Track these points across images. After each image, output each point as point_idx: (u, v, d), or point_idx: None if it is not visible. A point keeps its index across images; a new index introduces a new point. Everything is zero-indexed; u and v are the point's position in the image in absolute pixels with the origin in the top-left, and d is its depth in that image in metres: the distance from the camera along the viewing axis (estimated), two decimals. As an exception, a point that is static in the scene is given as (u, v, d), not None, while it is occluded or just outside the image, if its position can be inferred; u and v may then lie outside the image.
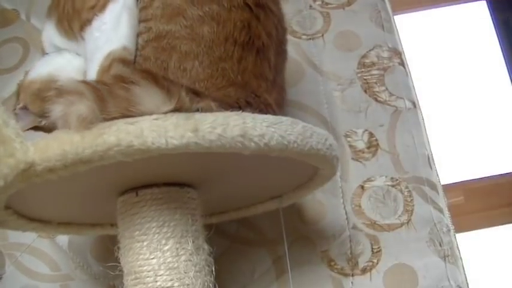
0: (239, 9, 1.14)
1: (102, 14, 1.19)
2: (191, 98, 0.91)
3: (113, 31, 1.17)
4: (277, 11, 1.25)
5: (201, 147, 0.86)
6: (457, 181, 2.53)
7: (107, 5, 1.19)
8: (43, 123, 1.27)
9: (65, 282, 1.55)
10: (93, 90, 0.89)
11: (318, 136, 1.03)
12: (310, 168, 1.14)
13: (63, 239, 1.59)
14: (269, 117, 0.94)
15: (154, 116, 0.87)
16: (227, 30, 1.12)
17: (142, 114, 0.88)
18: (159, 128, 0.85)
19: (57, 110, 0.87)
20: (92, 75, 1.15)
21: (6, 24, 2.06)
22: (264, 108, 1.10)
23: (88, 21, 1.20)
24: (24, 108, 1.29)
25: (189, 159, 0.94)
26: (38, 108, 1.27)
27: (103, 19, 1.18)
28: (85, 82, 0.94)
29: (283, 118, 0.97)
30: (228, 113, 0.90)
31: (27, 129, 1.26)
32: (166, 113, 0.88)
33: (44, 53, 1.39)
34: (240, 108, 1.02)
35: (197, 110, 0.91)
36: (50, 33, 1.34)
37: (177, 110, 0.89)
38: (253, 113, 0.97)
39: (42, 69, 1.32)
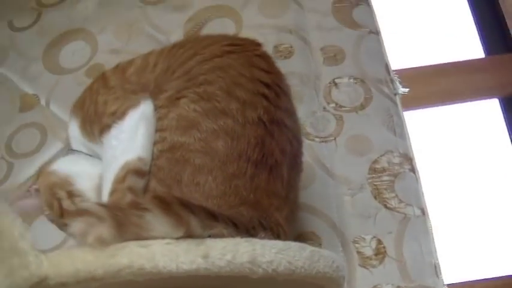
0: (253, 125, 1.16)
1: (121, 122, 1.22)
2: (203, 224, 0.93)
3: (129, 141, 1.20)
4: (292, 125, 1.27)
5: (211, 272, 0.88)
6: (463, 281, 2.51)
7: (127, 112, 1.22)
8: (46, 213, 1.30)
9: None
10: (113, 216, 0.91)
11: (325, 260, 1.04)
12: (317, 286, 1.14)
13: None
14: (278, 244, 0.95)
15: (166, 241, 0.89)
16: (241, 146, 1.14)
17: (154, 239, 0.90)
18: (170, 253, 0.87)
19: (77, 226, 0.90)
20: (108, 183, 1.18)
21: (26, 109, 2.10)
22: (274, 227, 1.12)
23: (107, 127, 1.24)
24: (37, 191, 1.32)
25: (199, 279, 0.95)
26: (45, 199, 1.30)
27: (122, 127, 1.22)
28: (105, 207, 0.96)
29: (292, 244, 0.99)
30: (238, 240, 0.92)
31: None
32: (178, 238, 0.90)
33: (69, 147, 1.43)
34: (253, 228, 1.03)
35: (209, 236, 0.93)
36: (75, 132, 1.37)
37: (188, 236, 0.91)
38: (265, 233, 0.99)
39: (64, 166, 1.35)
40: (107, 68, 1.88)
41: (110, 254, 0.87)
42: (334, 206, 1.70)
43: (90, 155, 1.37)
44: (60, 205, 1.26)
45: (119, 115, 1.23)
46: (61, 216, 1.27)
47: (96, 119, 1.27)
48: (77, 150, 1.39)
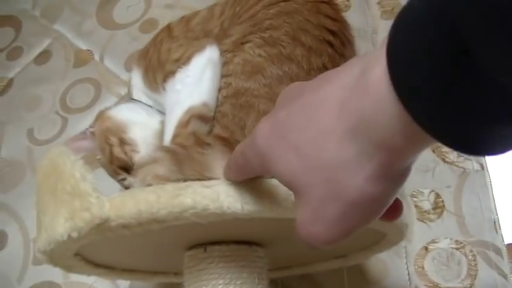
0: (318, 72, 1.13)
1: (186, 67, 1.20)
2: None
3: (195, 85, 1.18)
4: None
5: (275, 214, 0.86)
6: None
7: (192, 57, 1.21)
8: (99, 157, 1.31)
9: (124, 324, 1.56)
10: (171, 155, 0.90)
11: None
12: (378, 233, 1.12)
13: (124, 281, 1.60)
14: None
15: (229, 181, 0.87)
16: None
17: (215, 178, 0.88)
18: (235, 193, 0.85)
19: (135, 181, 0.89)
20: (170, 128, 1.16)
21: (80, 64, 2.10)
22: None
23: (172, 73, 1.22)
24: (93, 134, 1.32)
25: (261, 221, 0.93)
26: (98, 143, 1.30)
27: (187, 72, 1.20)
28: (162, 148, 0.95)
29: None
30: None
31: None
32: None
33: (130, 96, 1.42)
34: None
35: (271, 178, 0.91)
36: (137, 81, 1.37)
37: None
38: None
39: (122, 113, 1.35)
40: (161, 23, 1.88)
41: (173, 195, 0.85)
42: (393, 160, 1.67)
43: (150, 106, 1.36)
44: (111, 151, 1.26)
45: (183, 60, 1.22)
46: (111, 162, 1.27)
47: (159, 67, 1.26)
48: (137, 100, 1.38)
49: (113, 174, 1.28)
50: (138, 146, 1.26)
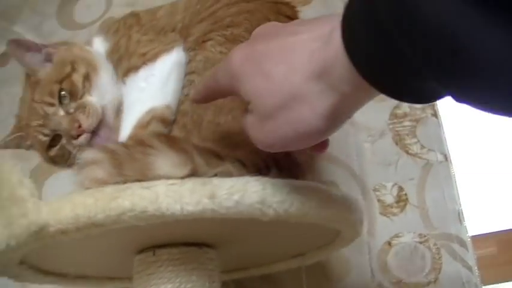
0: None
1: (152, 65, 1.18)
2: (209, 162, 0.89)
3: (160, 86, 1.16)
4: None
5: (218, 214, 0.83)
6: (490, 231, 2.48)
7: (159, 56, 1.18)
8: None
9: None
10: (110, 155, 0.88)
11: (342, 201, 0.99)
12: (332, 231, 1.10)
13: None
14: (291, 183, 0.90)
15: (170, 181, 0.84)
16: None
17: (158, 178, 0.85)
18: (174, 194, 0.82)
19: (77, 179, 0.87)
20: (128, 126, 1.14)
21: None
22: (293, 168, 1.07)
23: (135, 68, 1.19)
24: (49, 54, 1.28)
25: (206, 223, 0.91)
26: (57, 59, 1.27)
27: (152, 70, 1.18)
28: (103, 149, 0.92)
29: (305, 183, 0.94)
30: (247, 178, 0.87)
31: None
32: (183, 177, 0.85)
33: None
34: (267, 167, 0.99)
35: (215, 175, 0.88)
36: (101, 51, 1.32)
37: (193, 174, 0.87)
38: (279, 173, 0.94)
39: (100, 57, 1.29)
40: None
41: (111, 197, 0.82)
42: (354, 154, 1.66)
43: None
44: (69, 73, 1.22)
45: (150, 57, 1.19)
46: (58, 82, 1.21)
47: (125, 56, 1.23)
48: None
49: (47, 95, 1.22)
50: (95, 91, 1.21)
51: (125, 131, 1.15)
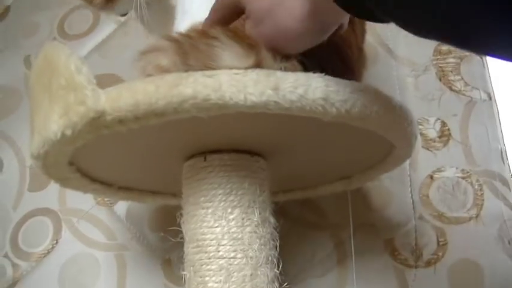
0: None
1: None
2: (275, 57, 0.87)
3: None
4: None
5: (281, 107, 0.81)
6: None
7: None
8: None
9: (120, 252, 1.52)
10: (175, 44, 0.86)
11: (402, 111, 0.98)
12: (386, 147, 1.08)
13: (121, 208, 1.57)
14: (353, 83, 0.88)
15: (234, 71, 0.82)
16: None
17: (221, 68, 0.84)
18: (238, 83, 0.80)
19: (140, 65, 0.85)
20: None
21: (77, -10, 2.05)
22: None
23: None
24: None
25: (263, 122, 0.89)
26: None
27: None
28: (168, 38, 0.90)
29: (368, 86, 0.92)
30: (310, 74, 0.85)
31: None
32: (246, 68, 0.83)
33: None
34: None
35: (280, 69, 0.86)
36: None
37: (258, 66, 0.85)
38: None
39: None
40: None
41: (173, 84, 0.80)
42: (397, 88, 1.64)
43: None
44: None
45: None
46: None
47: None
48: None
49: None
50: None
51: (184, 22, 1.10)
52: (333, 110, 0.84)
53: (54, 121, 0.83)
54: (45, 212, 1.62)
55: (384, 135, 0.98)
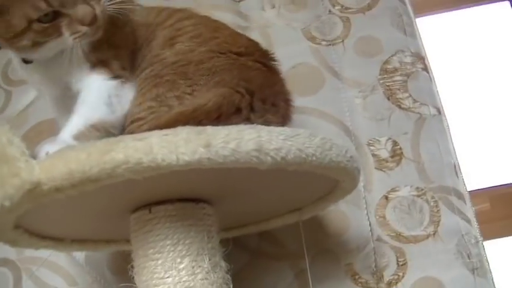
0: None
1: None
2: None
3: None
4: None
5: (215, 163, 0.82)
6: (483, 187, 2.48)
7: None
8: None
9: (82, 296, 1.52)
10: None
11: (338, 148, 0.98)
12: (331, 181, 1.09)
13: (79, 253, 1.56)
14: (286, 130, 0.89)
15: (164, 131, 0.83)
16: None
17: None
18: (169, 144, 0.81)
19: None
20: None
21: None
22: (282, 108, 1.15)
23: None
24: None
25: (202, 174, 0.90)
26: None
27: None
28: None
29: (301, 130, 0.93)
30: (241, 126, 0.86)
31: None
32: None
33: None
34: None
35: None
36: None
37: None
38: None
39: None
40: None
41: (104, 150, 0.80)
42: (345, 110, 1.64)
43: None
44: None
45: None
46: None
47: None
48: None
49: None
50: None
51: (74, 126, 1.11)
52: (268, 159, 0.84)
53: (-9, 191, 0.82)
54: (3, 262, 1.60)
55: (324, 174, 0.98)
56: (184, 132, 0.82)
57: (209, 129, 0.84)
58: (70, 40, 1.10)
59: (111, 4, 1.13)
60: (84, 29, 1.09)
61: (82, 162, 0.80)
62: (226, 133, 0.83)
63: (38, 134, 1.74)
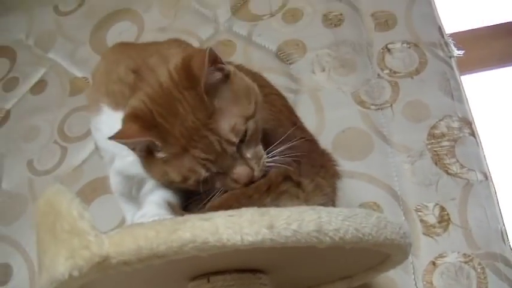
0: None
1: None
2: None
3: None
4: None
5: (276, 243, 0.85)
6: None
7: None
8: None
9: None
10: None
11: (392, 226, 1.00)
12: (383, 254, 1.11)
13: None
14: (343, 211, 0.92)
15: (228, 212, 0.86)
16: None
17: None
18: (234, 225, 0.84)
19: None
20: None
21: (76, 92, 2.10)
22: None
23: None
24: None
25: (263, 250, 0.92)
26: None
27: None
28: None
29: (358, 210, 0.95)
30: (303, 208, 0.89)
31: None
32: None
33: None
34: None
35: None
36: None
37: None
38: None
39: None
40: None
41: (172, 229, 0.84)
42: (394, 175, 1.67)
43: None
44: (253, 115, 1.16)
45: None
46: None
47: None
48: None
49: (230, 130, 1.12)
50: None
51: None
52: (327, 239, 0.87)
53: (61, 263, 0.85)
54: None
55: (379, 250, 1.01)
56: (248, 214, 0.85)
57: (272, 210, 0.87)
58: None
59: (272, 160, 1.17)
60: (237, 186, 1.14)
61: (150, 239, 0.83)
62: (288, 214, 0.86)
63: (93, 191, 1.79)
